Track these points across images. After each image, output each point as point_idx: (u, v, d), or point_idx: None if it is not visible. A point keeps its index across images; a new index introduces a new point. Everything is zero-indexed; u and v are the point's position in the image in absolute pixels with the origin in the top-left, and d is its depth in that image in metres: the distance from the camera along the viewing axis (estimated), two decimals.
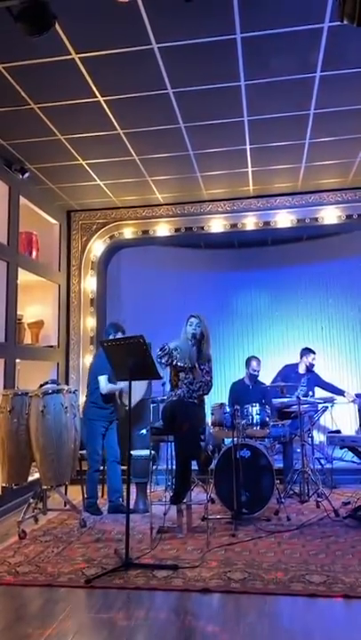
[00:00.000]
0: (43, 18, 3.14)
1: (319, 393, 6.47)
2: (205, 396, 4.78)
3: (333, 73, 4.17)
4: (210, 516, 4.69)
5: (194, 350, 4.60)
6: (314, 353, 6.49)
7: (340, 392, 6.31)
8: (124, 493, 4.55)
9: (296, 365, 6.51)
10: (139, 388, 5.70)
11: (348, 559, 3.76)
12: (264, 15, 3.51)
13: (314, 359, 6.48)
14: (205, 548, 4.06)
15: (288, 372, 6.45)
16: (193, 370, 4.57)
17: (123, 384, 5.10)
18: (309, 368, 6.46)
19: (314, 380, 6.46)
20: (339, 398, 6.25)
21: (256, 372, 5.98)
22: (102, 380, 5.27)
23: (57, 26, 3.46)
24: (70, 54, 3.87)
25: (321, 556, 3.83)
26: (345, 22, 3.11)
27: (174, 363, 4.60)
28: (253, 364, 5.98)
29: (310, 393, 6.31)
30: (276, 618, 3.02)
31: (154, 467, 5.57)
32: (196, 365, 4.58)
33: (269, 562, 3.74)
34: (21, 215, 5.98)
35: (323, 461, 6.08)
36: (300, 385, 6.29)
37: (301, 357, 6.51)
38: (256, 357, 6.07)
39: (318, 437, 6.81)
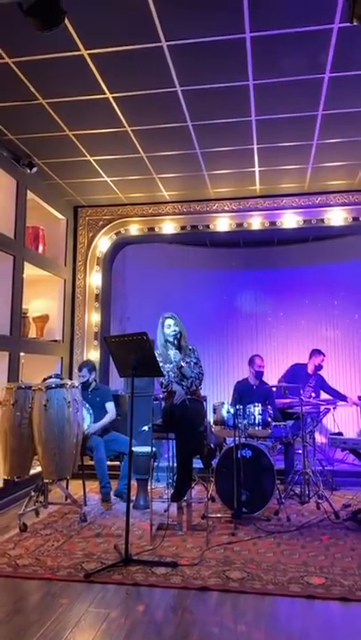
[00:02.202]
0: (53, 13, 3.14)
1: (322, 396, 6.49)
2: (200, 389, 4.75)
3: (343, 74, 4.15)
4: (210, 515, 4.70)
5: (175, 353, 4.59)
6: (324, 355, 6.51)
7: (343, 398, 6.34)
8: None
9: (305, 365, 6.53)
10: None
11: (348, 562, 3.75)
12: (274, 15, 3.49)
13: (323, 361, 6.49)
14: (205, 546, 4.06)
15: (298, 370, 6.47)
16: (180, 369, 4.56)
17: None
18: (317, 369, 6.48)
19: (320, 382, 6.48)
20: (341, 402, 6.28)
21: (262, 369, 5.96)
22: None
23: (67, 21, 3.47)
24: (80, 50, 3.87)
25: (320, 558, 3.82)
26: (355, 23, 3.12)
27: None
28: (257, 361, 5.96)
29: (313, 394, 6.33)
30: (274, 618, 3.02)
31: (155, 464, 5.59)
32: (182, 364, 4.56)
33: (268, 562, 3.74)
34: (28, 210, 6.00)
35: (324, 463, 6.09)
36: (308, 384, 6.32)
37: (311, 358, 6.52)
38: (259, 355, 6.06)
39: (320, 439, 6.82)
